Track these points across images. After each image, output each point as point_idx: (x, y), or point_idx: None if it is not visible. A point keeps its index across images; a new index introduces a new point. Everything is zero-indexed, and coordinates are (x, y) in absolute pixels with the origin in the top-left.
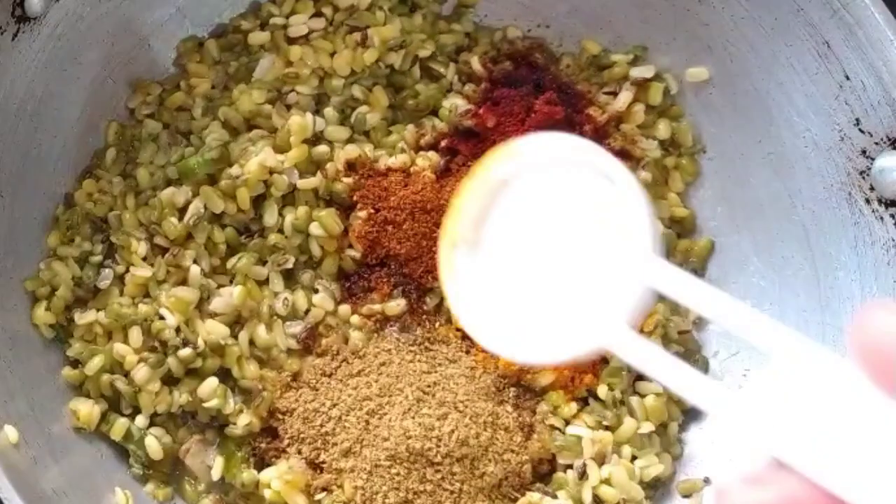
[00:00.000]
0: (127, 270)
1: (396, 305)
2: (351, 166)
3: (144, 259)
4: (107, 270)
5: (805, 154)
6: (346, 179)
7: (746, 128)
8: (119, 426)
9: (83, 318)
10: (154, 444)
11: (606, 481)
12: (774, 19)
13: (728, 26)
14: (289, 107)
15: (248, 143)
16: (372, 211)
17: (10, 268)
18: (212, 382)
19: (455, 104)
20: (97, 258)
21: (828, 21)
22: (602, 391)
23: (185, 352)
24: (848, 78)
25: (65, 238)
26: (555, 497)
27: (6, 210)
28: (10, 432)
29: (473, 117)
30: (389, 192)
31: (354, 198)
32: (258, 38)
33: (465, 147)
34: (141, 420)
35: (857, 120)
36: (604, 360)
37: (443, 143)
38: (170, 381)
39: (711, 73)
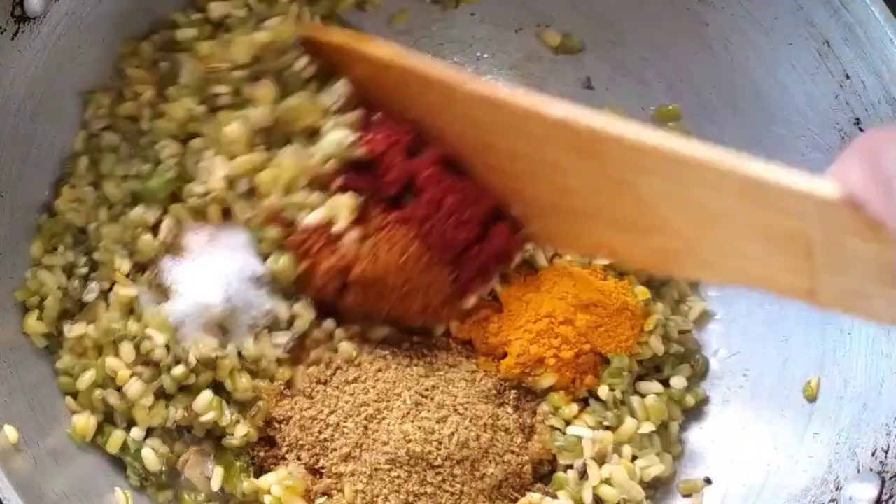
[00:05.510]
0: (111, 288)
1: (380, 329)
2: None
3: (128, 275)
4: (93, 284)
5: (805, 154)
6: (273, 231)
7: (746, 128)
8: (115, 439)
9: (72, 331)
10: (151, 456)
11: (607, 481)
12: (774, 19)
13: (728, 26)
14: (217, 109)
15: (196, 156)
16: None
17: (7, 272)
18: (206, 396)
19: (339, 137)
20: (82, 270)
21: (828, 20)
22: (603, 391)
23: (178, 370)
24: (848, 77)
25: (48, 247)
26: (555, 497)
27: (6, 210)
28: (10, 433)
29: (364, 146)
30: (321, 256)
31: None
32: (185, 34)
33: (363, 182)
34: (137, 432)
35: (857, 119)
36: (604, 361)
37: (337, 182)
38: (164, 394)
39: (711, 73)
